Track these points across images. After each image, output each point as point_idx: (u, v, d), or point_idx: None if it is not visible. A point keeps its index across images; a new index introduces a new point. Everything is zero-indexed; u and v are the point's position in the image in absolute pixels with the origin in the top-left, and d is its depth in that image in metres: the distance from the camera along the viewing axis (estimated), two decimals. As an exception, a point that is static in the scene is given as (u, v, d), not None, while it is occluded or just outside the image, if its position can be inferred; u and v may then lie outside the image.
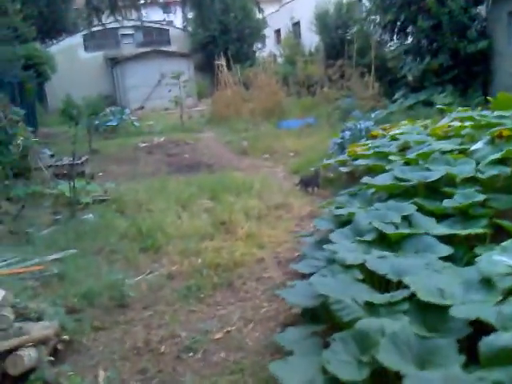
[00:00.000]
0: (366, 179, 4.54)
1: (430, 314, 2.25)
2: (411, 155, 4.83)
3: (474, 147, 4.52)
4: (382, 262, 2.83)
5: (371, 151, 5.86)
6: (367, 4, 16.06)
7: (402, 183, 4.25)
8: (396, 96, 14.37)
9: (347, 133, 8.14)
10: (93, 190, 7.41)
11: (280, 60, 26.05)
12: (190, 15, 28.20)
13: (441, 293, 2.35)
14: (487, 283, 2.35)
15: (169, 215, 5.91)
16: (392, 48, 15.99)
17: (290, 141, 11.17)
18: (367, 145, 6.79)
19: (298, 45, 26.65)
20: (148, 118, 18.42)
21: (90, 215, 6.35)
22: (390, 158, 5.28)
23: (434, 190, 4.15)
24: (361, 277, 2.82)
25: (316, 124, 13.42)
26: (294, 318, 3.45)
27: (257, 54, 31.80)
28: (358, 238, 3.36)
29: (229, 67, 18.57)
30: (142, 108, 23.83)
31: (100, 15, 16.71)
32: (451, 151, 4.88)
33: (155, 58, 25.06)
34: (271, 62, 22.52)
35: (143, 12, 20.87)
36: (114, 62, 27.95)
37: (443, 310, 2.22)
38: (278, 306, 3.77)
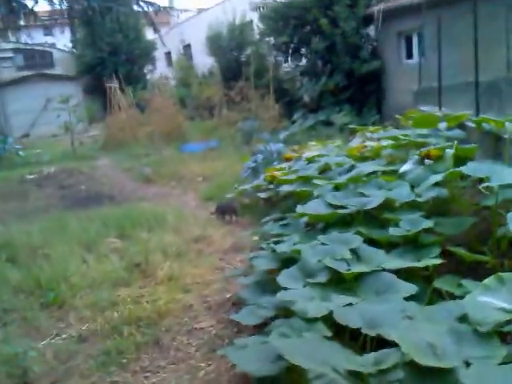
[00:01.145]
0: (299, 208, 4.17)
1: (429, 380, 1.87)
2: (340, 179, 4.57)
3: (403, 168, 4.36)
4: (350, 312, 2.44)
5: (293, 175, 5.55)
6: (260, 25, 16.16)
7: (339, 211, 3.94)
8: (295, 117, 14.52)
9: (259, 156, 7.84)
10: (-26, 236, 6.33)
11: (173, 82, 25.57)
12: (77, 35, 26.76)
13: (433, 349, 2.00)
14: (481, 333, 2.04)
15: (71, 260, 5.10)
16: (287, 69, 16.21)
17: (196, 165, 10.66)
18: (284, 168, 6.51)
19: (191, 67, 26.39)
20: (35, 146, 16.93)
21: (-27, 267, 5.34)
22: (316, 182, 4.99)
23: (374, 217, 3.90)
24: (329, 333, 2.40)
25: (219, 147, 13.06)
26: (242, 382, 2.94)
27: (148, 77, 31.03)
28: (311, 281, 2.95)
29: (121, 89, 17.69)
30: (27, 136, 21.97)
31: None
32: (377, 173, 4.70)
33: (39, 82, 23.34)
34: (165, 84, 21.98)
35: (25, 34, 19.31)
36: (-9, 87, 25.59)
37: (443, 374, 1.86)
38: (218, 365, 3.23)
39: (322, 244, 3.33)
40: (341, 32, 12.56)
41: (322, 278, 2.96)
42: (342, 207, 4.02)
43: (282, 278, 3.06)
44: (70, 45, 29.92)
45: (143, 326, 3.81)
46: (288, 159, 7.45)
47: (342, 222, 3.99)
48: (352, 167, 5.41)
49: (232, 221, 6.49)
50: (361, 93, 13.11)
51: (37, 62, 29.96)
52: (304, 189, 4.98)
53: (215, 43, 18.98)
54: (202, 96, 19.76)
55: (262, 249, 5.20)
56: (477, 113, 6.68)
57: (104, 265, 4.99)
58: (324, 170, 5.77)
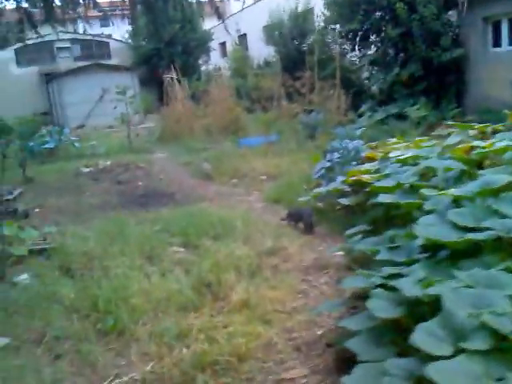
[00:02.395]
0: (419, 229, 3.29)
1: None
2: (463, 190, 3.65)
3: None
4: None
5: (391, 181, 4.67)
6: (326, 12, 15.18)
7: (471, 235, 3.05)
8: (362, 109, 13.48)
9: (335, 154, 6.96)
10: (28, 237, 5.81)
11: (227, 73, 24.98)
12: (133, 27, 26.56)
13: None
14: None
15: (132, 275, 4.44)
16: (354, 59, 15.16)
17: (257, 162, 9.91)
18: (370, 171, 5.62)
19: (247, 57, 25.69)
20: (90, 138, 16.65)
21: (25, 276, 4.80)
22: (424, 192, 4.10)
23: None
24: None
25: (280, 141, 12.25)
26: None
27: (203, 68, 30.60)
28: (465, 346, 2.11)
29: (178, 81, 17.19)
30: (82, 126, 21.93)
31: (34, 26, 14.87)
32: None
33: (96, 73, 23.28)
34: (221, 75, 21.38)
35: (83, 24, 19.09)
36: (49, 78, 25.84)
37: None
38: None
39: (467, 287, 2.47)
40: (419, 17, 11.44)
41: (481, 343, 2.11)
42: (473, 230, 3.13)
43: (420, 337, 2.22)
44: (127, 35, 29.84)
45: (220, 371, 3.08)
46: (371, 159, 6.54)
47: (473, 249, 3.11)
48: (463, 174, 4.49)
49: (307, 230, 5.67)
50: (439, 84, 11.94)
51: (94, 52, 30.16)
52: (411, 201, 4.08)
53: (276, 32, 18.11)
54: (260, 87, 19.05)
55: (351, 269, 4.45)
56: None
57: (169, 283, 4.29)
58: (424, 176, 4.87)
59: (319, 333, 3.48)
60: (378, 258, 3.45)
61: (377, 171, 5.52)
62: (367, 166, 6.10)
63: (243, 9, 28.78)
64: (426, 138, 7.13)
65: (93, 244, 5.31)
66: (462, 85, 11.94)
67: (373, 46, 14.03)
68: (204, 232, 5.51)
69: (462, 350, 2.13)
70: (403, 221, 4.89)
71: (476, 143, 5.17)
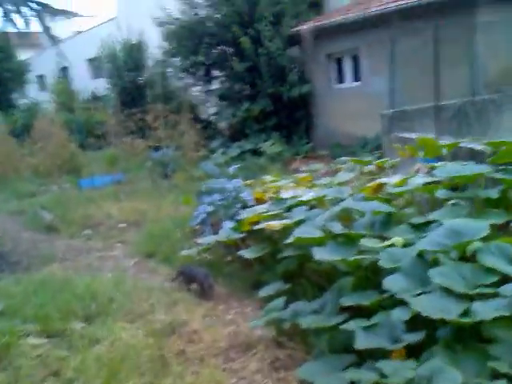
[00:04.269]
0: (417, 304, 2.52)
1: None
2: (431, 242, 3.02)
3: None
4: None
5: (312, 229, 3.91)
6: (164, 45, 14.40)
7: (479, 308, 2.40)
8: (213, 145, 12.87)
9: (216, 196, 6.05)
10: None
11: (51, 107, 22.71)
12: None
13: None
14: None
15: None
16: (197, 93, 14.57)
17: (110, 206, 8.49)
18: (270, 216, 4.83)
19: (72, 91, 23.75)
20: None
21: None
22: (365, 243, 3.43)
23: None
24: None
25: (129, 181, 10.96)
26: None
27: (20, 102, 27.42)
28: None
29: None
30: None
31: None
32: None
33: None
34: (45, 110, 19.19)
35: None
36: None
37: None
38: None
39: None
40: (265, 52, 11.30)
41: None
42: (473, 297, 2.50)
43: None
44: None
45: None
46: (259, 201, 5.80)
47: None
48: (390, 217, 3.95)
49: (206, 294, 4.62)
50: (289, 119, 11.91)
51: None
52: (359, 257, 3.34)
53: (108, 63, 16.72)
54: (93, 122, 17.39)
55: (283, 346, 3.56)
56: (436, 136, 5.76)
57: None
58: (343, 220, 4.23)
59: None
60: (360, 346, 2.59)
61: (281, 216, 4.76)
62: (259, 208, 5.33)
63: (64, 40, 26.63)
64: (306, 175, 6.64)
65: None
66: (311, 120, 12.10)
67: (217, 81, 13.63)
68: (70, 311, 4.09)
69: None
70: (322, 277, 4.21)
71: (384, 180, 4.74)
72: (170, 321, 4.01)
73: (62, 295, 4.38)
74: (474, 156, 4.96)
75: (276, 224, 4.36)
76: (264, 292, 4.17)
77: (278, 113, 11.86)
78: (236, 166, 7.27)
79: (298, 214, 4.53)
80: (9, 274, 5.50)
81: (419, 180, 4.36)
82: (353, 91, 11.10)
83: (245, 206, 5.94)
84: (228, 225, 5.52)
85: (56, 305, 4.18)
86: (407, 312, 2.70)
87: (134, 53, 16.86)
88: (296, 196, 5.10)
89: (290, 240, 3.89)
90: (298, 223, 4.26)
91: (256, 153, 11.46)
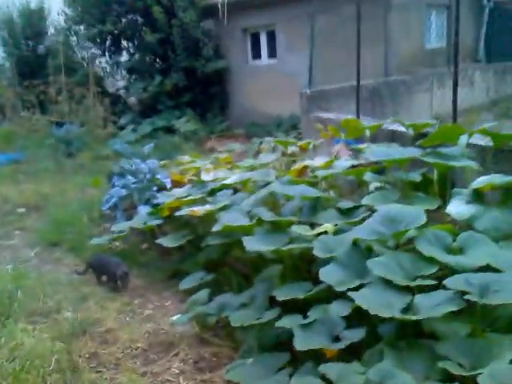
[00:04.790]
0: (359, 298, 2.33)
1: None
2: (366, 231, 2.86)
3: (457, 210, 2.88)
4: None
5: (239, 216, 3.64)
6: (68, 11, 13.27)
7: (423, 302, 2.27)
8: (122, 121, 12.12)
9: (130, 179, 5.58)
10: None
11: None
12: None
13: None
14: None
15: None
16: (104, 65, 13.61)
17: (7, 188, 7.65)
18: (194, 200, 4.49)
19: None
20: None
21: None
22: (297, 230, 3.23)
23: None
24: None
25: (28, 160, 10.00)
26: None
27: None
28: None
29: None
30: None
31: None
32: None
33: None
34: None
35: None
36: None
37: None
38: None
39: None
40: (179, 24, 10.73)
41: None
42: (413, 290, 2.37)
43: None
44: None
45: None
46: (177, 183, 5.42)
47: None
48: (317, 202, 3.78)
49: (121, 286, 4.21)
50: (204, 96, 11.47)
51: None
52: (294, 246, 3.12)
53: (4, 31, 15.11)
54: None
55: (208, 342, 3.32)
56: (357, 117, 5.78)
57: None
58: (269, 205, 4.01)
59: None
60: (300, 347, 2.38)
61: (203, 200, 4.44)
62: (179, 192, 4.98)
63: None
64: (225, 155, 6.34)
65: None
66: (226, 97, 11.76)
67: (125, 52, 12.81)
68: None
69: None
70: (247, 265, 3.99)
71: (309, 163, 4.58)
72: (79, 319, 3.59)
73: None
74: (396, 138, 4.95)
75: (200, 210, 4.03)
76: (185, 284, 3.86)
77: (192, 89, 11.38)
78: (151, 145, 6.78)
79: (222, 198, 4.25)
80: None
81: (345, 163, 4.24)
82: (268, 68, 10.90)
83: (161, 189, 5.56)
84: (143, 210, 5.12)
85: None
86: (347, 307, 2.53)
87: (33, 19, 15.38)
88: (218, 178, 4.80)
89: (217, 228, 3.59)
90: (223, 209, 3.98)
91: (169, 131, 10.93)
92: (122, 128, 11.73)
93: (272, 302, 3.16)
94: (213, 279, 3.84)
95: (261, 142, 7.74)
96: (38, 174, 8.59)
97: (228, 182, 4.53)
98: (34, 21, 15.02)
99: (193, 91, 11.40)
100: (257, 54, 11.28)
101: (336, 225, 3.35)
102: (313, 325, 2.61)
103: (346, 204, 3.69)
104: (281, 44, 10.42)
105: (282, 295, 2.87)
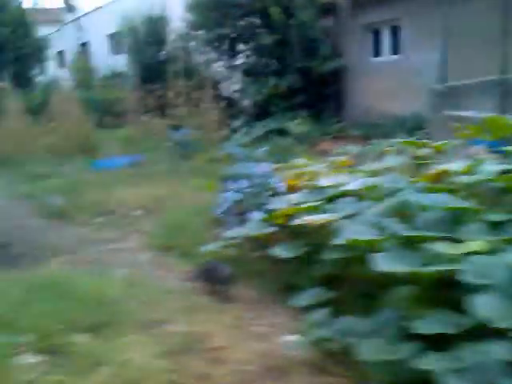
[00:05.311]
0: None
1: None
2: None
3: None
4: None
5: (366, 228, 3.17)
6: (188, 17, 13.60)
7: None
8: (235, 124, 12.10)
9: (244, 182, 5.34)
10: None
11: (69, 85, 22.11)
12: None
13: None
14: None
15: None
16: (220, 69, 13.75)
17: (125, 191, 7.83)
18: (310, 207, 4.09)
19: (91, 68, 23.15)
20: None
21: None
22: (438, 249, 2.68)
23: None
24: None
25: (146, 163, 10.29)
26: None
27: (39, 78, 27.01)
28: None
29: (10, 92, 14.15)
30: None
31: None
32: None
33: None
34: (62, 87, 18.66)
35: None
36: None
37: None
38: None
39: None
40: (297, 23, 10.41)
41: None
42: None
43: None
44: None
45: None
46: (292, 188, 5.06)
47: None
48: (463, 215, 3.18)
49: (227, 295, 3.93)
50: (318, 96, 11.05)
51: None
52: (438, 269, 2.60)
53: (129, 38, 15.97)
54: (111, 99, 16.75)
55: (326, 371, 2.88)
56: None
57: None
58: (401, 217, 3.48)
59: None
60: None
61: (322, 208, 4.02)
62: (294, 198, 4.60)
63: (85, 15, 26.04)
64: (344, 158, 5.86)
65: None
66: (342, 97, 11.23)
67: (242, 56, 12.80)
68: (72, 321, 3.46)
69: None
70: (371, 283, 3.48)
71: (446, 167, 3.95)
72: (189, 333, 3.34)
73: (65, 300, 3.74)
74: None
75: (319, 220, 3.62)
76: (299, 300, 3.48)
77: (306, 89, 11.02)
78: (264, 149, 6.50)
79: (344, 206, 3.79)
80: (9, 269, 4.90)
81: (493, 167, 3.58)
82: (390, 65, 10.21)
83: (275, 194, 5.23)
84: (257, 216, 4.81)
85: (58, 312, 3.53)
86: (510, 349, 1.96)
87: (155, 26, 16.09)
88: (337, 184, 4.35)
89: (339, 241, 3.15)
90: (345, 219, 3.52)
91: (281, 133, 10.67)
92: (235, 131, 11.72)
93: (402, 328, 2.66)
94: (331, 297, 3.41)
95: (382, 144, 7.15)
96: (155, 177, 8.74)
97: (349, 188, 4.07)
98: (157, 28, 15.69)
99: (307, 92, 11.04)
100: (377, 51, 10.62)
101: (488, 242, 2.75)
102: (466, 370, 2.06)
103: (497, 216, 3.06)
104: (406, 39, 9.69)
105: (424, 327, 2.36)
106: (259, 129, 11.00)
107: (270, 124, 10.99)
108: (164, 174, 8.88)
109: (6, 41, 22.63)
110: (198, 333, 3.37)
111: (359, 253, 3.22)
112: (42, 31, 26.94)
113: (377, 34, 10.46)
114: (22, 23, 23.30)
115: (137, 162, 10.42)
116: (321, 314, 3.14)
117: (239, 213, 5.34)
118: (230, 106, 12.79)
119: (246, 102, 12.83)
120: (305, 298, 3.46)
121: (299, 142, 10.20)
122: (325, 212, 3.85)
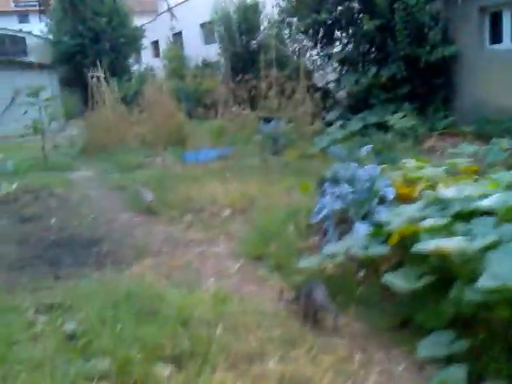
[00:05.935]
0: None
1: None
2: None
3: None
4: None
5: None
6: (281, 3, 13.00)
7: None
8: (330, 117, 11.39)
9: (345, 188, 4.69)
10: None
11: (162, 74, 22.42)
12: (51, 19, 23.26)
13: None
14: None
15: None
16: (315, 58, 13.04)
17: (215, 187, 7.45)
18: (433, 227, 3.37)
19: (183, 57, 23.32)
20: (-2, 150, 13.45)
21: None
22: None
23: None
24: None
25: (236, 156, 9.92)
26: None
27: (134, 68, 27.83)
28: None
29: (106, 81, 14.37)
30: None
31: None
32: None
33: (7, 70, 19.75)
34: (155, 76, 18.89)
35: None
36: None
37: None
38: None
39: None
40: (403, 7, 9.47)
41: None
42: None
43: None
44: (46, 30, 26.29)
45: None
46: (404, 197, 4.35)
47: None
48: None
49: (331, 326, 3.34)
50: (425, 87, 10.04)
51: (7, 48, 26.45)
52: None
53: (221, 27, 15.68)
54: (203, 90, 16.64)
55: None
56: None
57: None
58: None
59: None
60: None
61: (447, 229, 3.29)
62: (409, 211, 3.88)
63: (178, 4, 26.28)
64: (468, 163, 5.03)
65: None
66: (452, 89, 10.12)
67: (337, 43, 12.01)
68: (155, 347, 3.04)
69: None
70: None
71: None
72: (285, 375, 2.80)
73: (148, 319, 3.34)
74: None
75: (450, 246, 2.91)
76: (425, 348, 2.80)
77: (411, 79, 10.04)
78: (368, 147, 5.79)
79: (482, 230, 3.04)
80: (94, 270, 4.65)
81: None
82: (511, 54, 8.98)
83: (383, 202, 4.54)
84: (362, 228, 4.16)
85: (139, 335, 3.14)
86: None
87: (248, 14, 15.68)
88: (467, 197, 3.58)
89: (487, 282, 2.44)
90: (489, 248, 2.79)
91: (381, 127, 9.81)
92: (329, 124, 11.01)
93: None
94: (467, 347, 2.71)
95: (504, 144, 6.18)
96: (244, 172, 8.31)
97: (485, 204, 3.30)
98: (249, 16, 15.26)
99: (412, 82, 10.07)
100: (496, 38, 9.41)
101: None
102: None
103: None
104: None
105: None
106: (356, 122, 10.20)
107: (369, 117, 10.15)
108: (253, 170, 8.44)
109: (102, 31, 23.41)
110: (296, 375, 2.83)
111: (510, 295, 2.50)
112: (137, 21, 27.66)
113: (495, 18, 9.25)
114: (117, 13, 23.98)
115: (226, 155, 10.09)
116: (455, 374, 2.46)
117: (339, 222, 4.72)
118: (325, 98, 12.08)
119: (342, 94, 12.05)
120: (431, 346, 2.79)
121: (402, 138, 9.31)
122: (455, 234, 3.13)
